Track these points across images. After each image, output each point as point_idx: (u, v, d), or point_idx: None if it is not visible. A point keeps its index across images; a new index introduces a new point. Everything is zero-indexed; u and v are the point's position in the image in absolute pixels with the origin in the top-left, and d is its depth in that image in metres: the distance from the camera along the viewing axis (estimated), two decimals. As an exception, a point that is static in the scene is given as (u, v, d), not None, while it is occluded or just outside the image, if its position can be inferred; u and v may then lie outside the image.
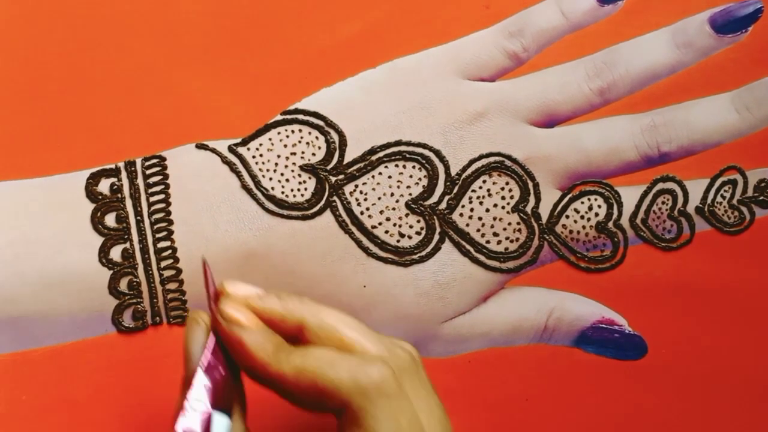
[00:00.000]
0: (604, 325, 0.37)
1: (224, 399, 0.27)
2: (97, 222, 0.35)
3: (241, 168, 0.36)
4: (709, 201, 0.37)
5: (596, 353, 0.37)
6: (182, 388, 0.27)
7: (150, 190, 0.35)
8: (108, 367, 0.36)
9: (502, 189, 0.37)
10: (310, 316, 0.28)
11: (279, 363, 0.26)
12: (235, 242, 0.35)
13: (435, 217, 0.36)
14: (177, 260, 0.35)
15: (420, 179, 0.36)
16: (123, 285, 0.35)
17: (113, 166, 0.35)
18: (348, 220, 0.36)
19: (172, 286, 0.35)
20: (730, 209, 0.37)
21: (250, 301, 0.28)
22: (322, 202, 0.36)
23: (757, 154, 0.37)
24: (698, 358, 0.38)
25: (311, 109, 0.36)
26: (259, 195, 0.36)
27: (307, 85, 0.36)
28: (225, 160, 0.36)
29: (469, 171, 0.37)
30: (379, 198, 0.36)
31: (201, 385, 0.26)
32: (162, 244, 0.35)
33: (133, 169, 0.35)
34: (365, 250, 0.36)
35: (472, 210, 0.37)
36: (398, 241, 0.36)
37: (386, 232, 0.36)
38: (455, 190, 0.37)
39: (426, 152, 0.36)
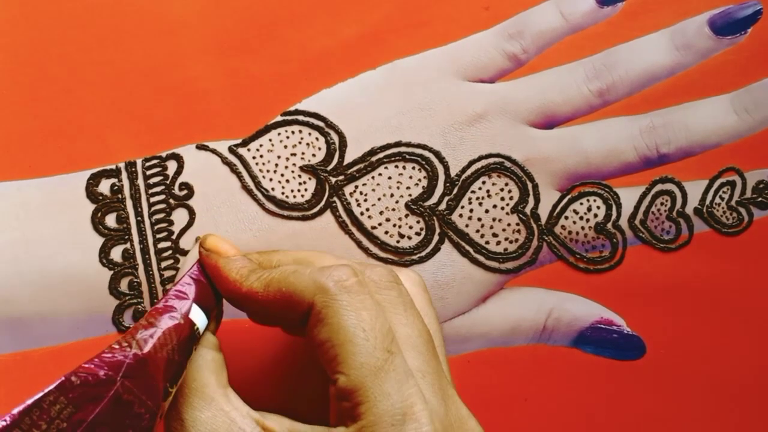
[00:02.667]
0: (602, 326, 0.37)
1: (204, 305, 0.29)
2: (97, 222, 0.35)
3: (241, 169, 0.36)
4: (707, 202, 0.38)
5: (595, 353, 0.38)
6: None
7: (150, 191, 0.35)
8: (108, 367, 0.36)
9: (502, 190, 0.37)
10: (283, 256, 0.31)
11: (249, 281, 0.29)
12: (236, 243, 0.35)
13: (434, 217, 0.37)
14: (177, 261, 0.35)
15: (420, 180, 0.36)
16: (123, 285, 0.35)
17: (114, 166, 0.35)
18: (348, 221, 0.36)
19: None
20: (729, 210, 0.38)
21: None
22: (322, 203, 0.36)
23: (756, 156, 0.38)
24: (696, 359, 0.38)
25: (311, 110, 0.36)
26: (260, 196, 0.36)
27: (307, 86, 0.36)
28: (225, 161, 0.36)
29: (468, 172, 0.37)
30: (379, 199, 0.36)
31: (185, 284, 0.29)
32: (162, 245, 0.35)
33: (133, 169, 0.35)
34: (365, 250, 0.36)
35: (471, 211, 0.37)
36: (398, 241, 0.36)
37: (386, 232, 0.36)
38: (455, 191, 0.37)
39: (426, 153, 0.36)
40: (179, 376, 0.27)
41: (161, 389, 0.26)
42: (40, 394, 0.23)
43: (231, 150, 0.36)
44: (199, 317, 0.28)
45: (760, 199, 0.38)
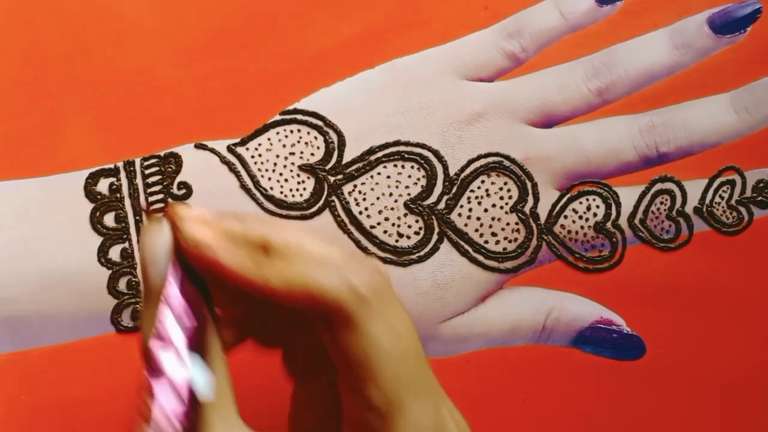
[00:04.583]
0: (602, 325, 0.37)
1: (199, 339, 0.23)
2: (96, 222, 0.35)
3: (239, 168, 0.36)
4: (707, 201, 0.37)
5: (594, 353, 0.37)
6: (142, 321, 0.23)
7: (149, 190, 0.35)
8: (107, 367, 0.36)
9: (501, 189, 0.37)
10: (273, 232, 0.25)
11: (263, 273, 0.24)
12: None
13: (433, 217, 0.37)
14: (176, 260, 0.35)
15: (418, 179, 0.36)
16: (122, 284, 0.35)
17: (112, 165, 0.35)
18: (347, 220, 0.36)
19: (171, 285, 0.35)
20: (729, 209, 0.38)
21: (207, 219, 0.25)
22: (321, 202, 0.36)
23: (756, 155, 0.37)
24: (696, 359, 0.38)
25: (310, 109, 0.36)
26: (258, 195, 0.36)
27: (306, 85, 0.36)
28: (224, 160, 0.36)
29: (467, 171, 0.37)
30: (378, 198, 0.36)
31: (172, 319, 0.22)
32: (161, 244, 0.35)
33: (132, 168, 0.35)
34: (364, 250, 0.36)
35: (470, 210, 0.37)
36: (397, 241, 0.36)
37: (385, 232, 0.36)
38: (454, 190, 0.37)
39: (424, 152, 0.36)
40: None
41: None
42: None
43: (229, 149, 0.36)
44: (195, 367, 0.22)
45: (760, 198, 0.38)
